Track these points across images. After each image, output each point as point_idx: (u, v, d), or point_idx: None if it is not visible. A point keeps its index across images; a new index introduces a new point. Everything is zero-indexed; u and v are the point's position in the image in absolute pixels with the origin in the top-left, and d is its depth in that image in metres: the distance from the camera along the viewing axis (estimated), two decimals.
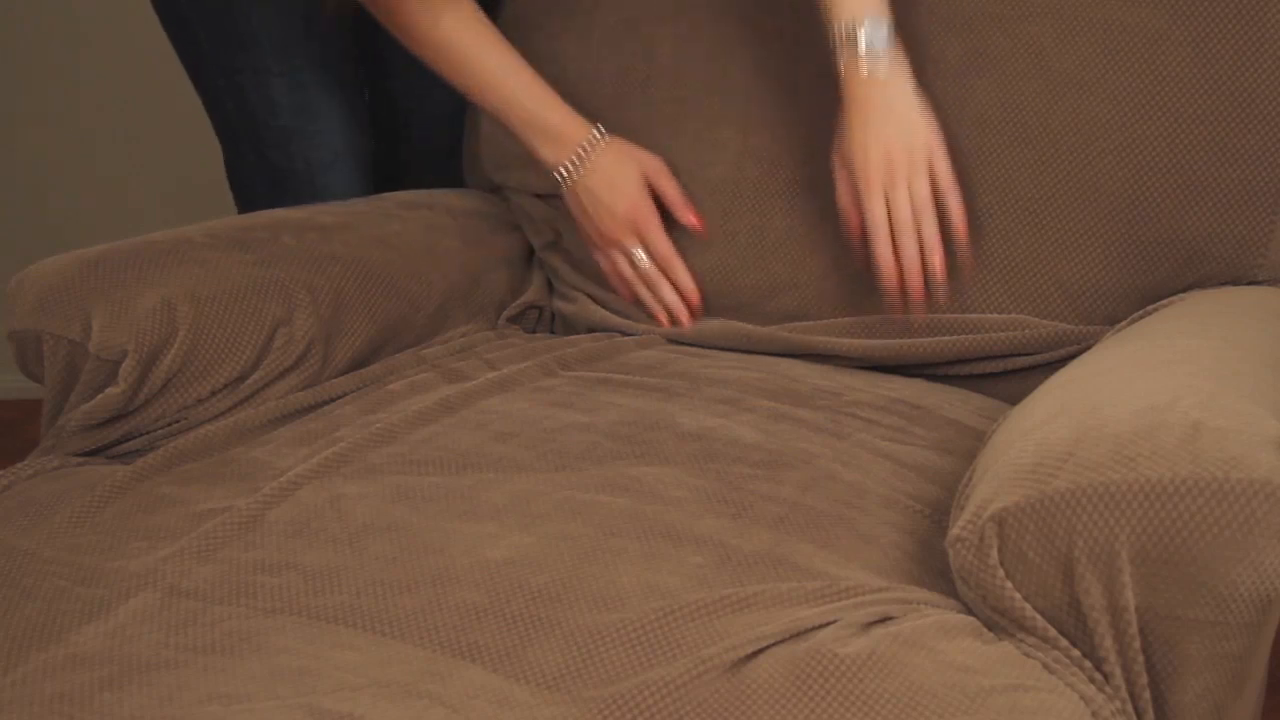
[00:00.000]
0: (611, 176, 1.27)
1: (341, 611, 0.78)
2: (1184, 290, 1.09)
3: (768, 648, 0.73)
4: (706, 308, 1.29)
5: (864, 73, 1.08)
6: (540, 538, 0.84)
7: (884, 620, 0.76)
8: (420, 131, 1.59)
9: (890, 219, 1.11)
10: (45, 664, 0.75)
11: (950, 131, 1.14)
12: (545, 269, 1.42)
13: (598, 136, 1.27)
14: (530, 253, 1.43)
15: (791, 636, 0.74)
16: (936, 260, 1.12)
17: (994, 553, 0.74)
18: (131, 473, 0.97)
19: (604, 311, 1.34)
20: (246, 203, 1.52)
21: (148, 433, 1.08)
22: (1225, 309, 1.01)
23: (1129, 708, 0.73)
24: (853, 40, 1.08)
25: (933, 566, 0.84)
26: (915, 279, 1.12)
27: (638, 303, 1.31)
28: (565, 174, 1.27)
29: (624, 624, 0.75)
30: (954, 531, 0.76)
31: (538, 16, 1.40)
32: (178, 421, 1.08)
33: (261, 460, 0.99)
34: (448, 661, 0.73)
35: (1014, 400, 0.99)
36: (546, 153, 1.27)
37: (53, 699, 0.71)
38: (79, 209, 2.46)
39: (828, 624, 0.75)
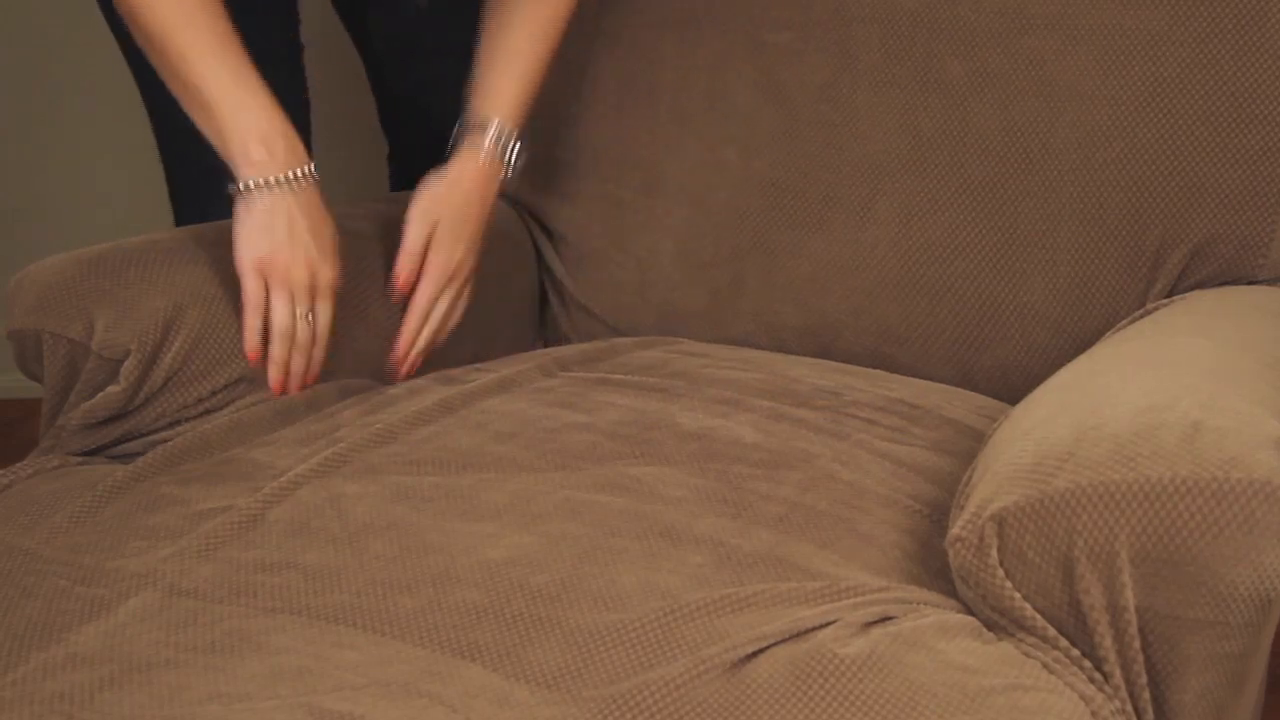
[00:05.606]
0: (317, 222, 1.09)
1: (342, 611, 0.78)
2: (1185, 291, 1.09)
3: (768, 648, 0.73)
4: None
5: (479, 158, 1.20)
6: (540, 537, 0.84)
7: (884, 620, 0.76)
8: (437, 131, 1.58)
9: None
10: (45, 663, 0.75)
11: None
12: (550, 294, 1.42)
13: (313, 175, 1.10)
14: (534, 254, 1.43)
15: (791, 636, 0.74)
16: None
17: (994, 552, 0.74)
18: (131, 472, 0.98)
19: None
20: (176, 212, 1.40)
21: (148, 433, 1.07)
22: (1226, 308, 1.01)
23: (1129, 707, 0.73)
24: (483, 130, 1.20)
25: (932, 566, 0.84)
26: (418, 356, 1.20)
27: (259, 353, 1.10)
28: (262, 184, 1.06)
29: (624, 624, 0.75)
30: (954, 531, 0.76)
31: None
32: (178, 421, 1.08)
33: (262, 460, 0.99)
34: (448, 661, 0.73)
35: (1014, 400, 0.99)
36: (255, 153, 1.06)
37: (52, 698, 0.71)
38: (79, 209, 2.46)
39: (828, 624, 0.75)
